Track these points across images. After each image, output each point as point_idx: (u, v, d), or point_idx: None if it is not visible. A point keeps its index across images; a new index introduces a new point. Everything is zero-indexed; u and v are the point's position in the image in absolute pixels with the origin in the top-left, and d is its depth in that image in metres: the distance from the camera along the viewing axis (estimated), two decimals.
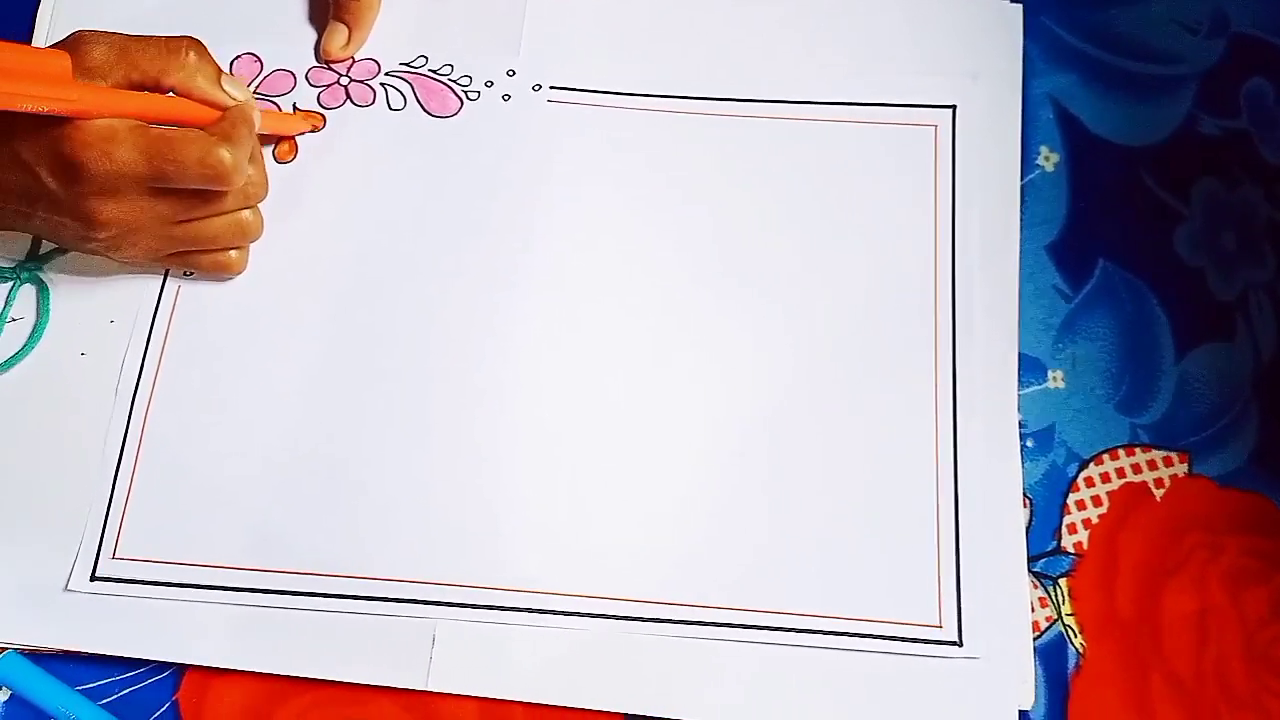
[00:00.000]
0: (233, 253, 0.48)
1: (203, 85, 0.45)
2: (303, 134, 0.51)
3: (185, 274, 0.49)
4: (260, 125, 0.47)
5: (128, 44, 0.44)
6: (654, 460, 0.46)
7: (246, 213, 0.48)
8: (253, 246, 0.50)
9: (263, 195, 0.49)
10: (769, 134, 0.51)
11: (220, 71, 0.46)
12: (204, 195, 0.45)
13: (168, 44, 0.45)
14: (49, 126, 0.42)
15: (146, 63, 0.44)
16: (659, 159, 0.51)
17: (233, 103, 0.46)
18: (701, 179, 0.50)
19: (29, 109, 0.41)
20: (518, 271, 0.49)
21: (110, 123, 0.43)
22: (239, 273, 0.49)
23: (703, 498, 0.46)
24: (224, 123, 0.45)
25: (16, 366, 0.48)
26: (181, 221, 0.46)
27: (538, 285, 0.49)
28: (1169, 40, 0.52)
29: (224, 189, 0.45)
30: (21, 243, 0.50)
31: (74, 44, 0.44)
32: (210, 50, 0.52)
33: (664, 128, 0.51)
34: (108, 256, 0.48)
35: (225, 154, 0.44)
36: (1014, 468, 0.46)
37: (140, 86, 0.45)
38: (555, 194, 0.50)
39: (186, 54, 0.45)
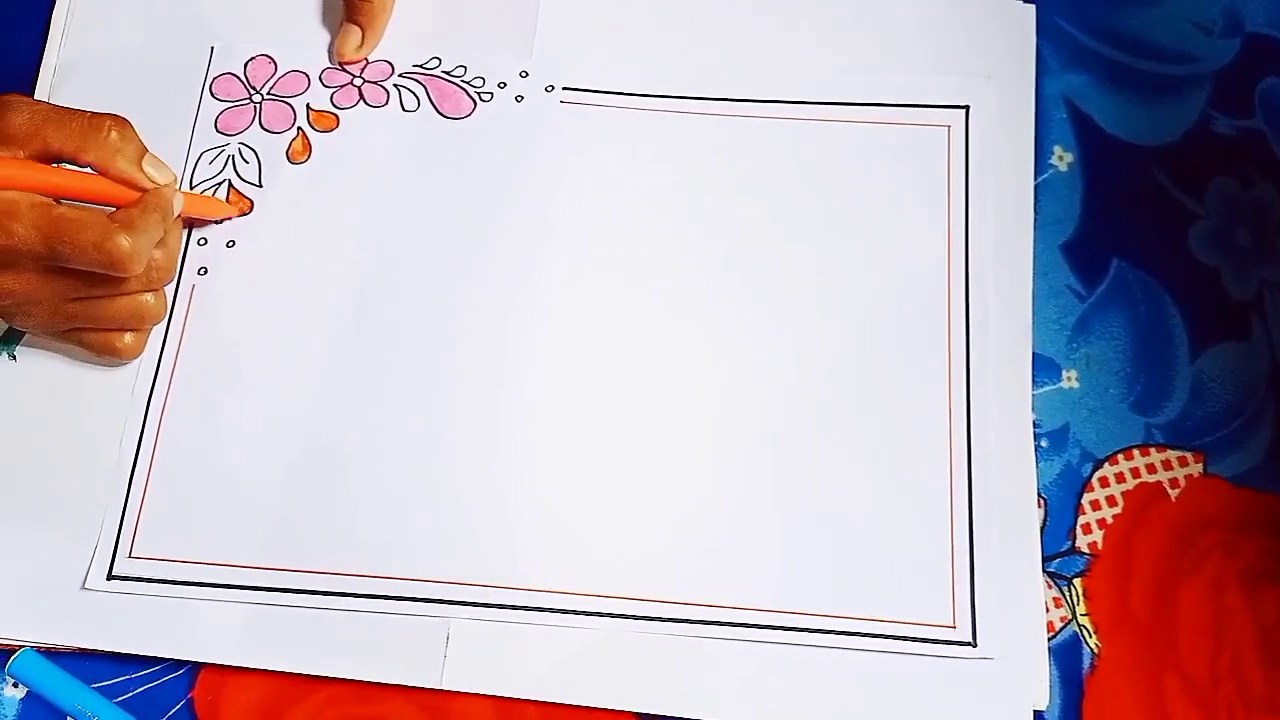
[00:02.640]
0: (127, 338, 0.47)
1: (121, 165, 0.44)
2: (229, 219, 0.50)
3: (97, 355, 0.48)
4: (183, 208, 0.47)
5: (50, 115, 0.43)
6: (668, 460, 0.46)
7: (149, 296, 0.46)
8: (269, 247, 0.50)
9: (168, 279, 0.47)
10: (782, 134, 0.51)
11: (143, 151, 0.45)
12: (104, 277, 0.44)
13: (91, 120, 0.44)
14: None
15: (65, 136, 0.43)
16: (671, 159, 0.51)
17: (150, 185, 0.45)
18: (714, 179, 0.50)
19: None
20: (531, 272, 0.49)
21: (13, 196, 0.41)
22: (130, 359, 0.48)
23: (717, 498, 0.46)
24: (133, 208, 0.44)
25: (8, 368, 0.48)
26: (79, 299, 0.45)
27: (551, 286, 0.49)
28: (1183, 40, 0.52)
29: (123, 274, 0.43)
30: None
31: None
32: (225, 53, 0.53)
33: (676, 128, 0.51)
34: (3, 319, 0.47)
35: (124, 241, 0.42)
36: (1028, 468, 0.46)
37: (58, 159, 0.44)
38: (568, 195, 0.50)
39: (109, 132, 0.44)
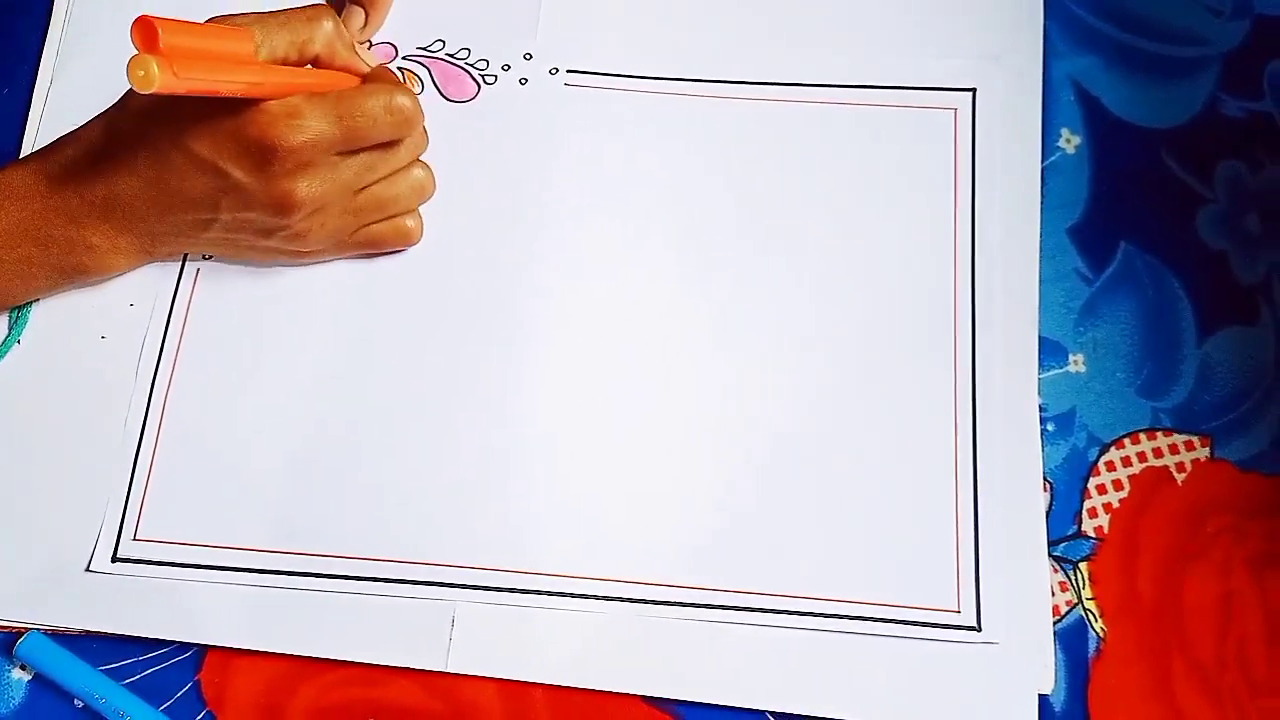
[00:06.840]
0: (409, 220, 0.48)
1: (344, 53, 0.46)
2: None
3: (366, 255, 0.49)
4: None
5: (268, 20, 0.44)
6: (672, 446, 0.46)
7: (420, 170, 0.48)
8: None
9: (425, 147, 0.49)
10: (788, 117, 0.51)
11: (350, 38, 0.47)
12: (384, 152, 0.46)
13: (306, 14, 0.45)
14: (224, 117, 0.42)
15: (291, 36, 0.44)
16: (676, 142, 0.51)
17: (368, 68, 0.47)
18: (719, 163, 0.50)
19: (224, 93, 0.40)
20: (535, 256, 0.49)
21: (291, 99, 0.43)
22: (419, 240, 0.49)
23: (721, 483, 0.46)
24: (373, 79, 0.46)
25: (14, 351, 0.48)
26: (364, 189, 0.46)
27: (554, 269, 0.49)
28: (1191, 21, 0.52)
29: (411, 134, 0.46)
30: None
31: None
32: None
33: (681, 111, 0.51)
34: (285, 257, 0.47)
35: (405, 99, 0.45)
36: (1034, 451, 0.46)
37: (284, 61, 0.44)
38: (572, 178, 0.50)
39: (324, 22, 0.45)
